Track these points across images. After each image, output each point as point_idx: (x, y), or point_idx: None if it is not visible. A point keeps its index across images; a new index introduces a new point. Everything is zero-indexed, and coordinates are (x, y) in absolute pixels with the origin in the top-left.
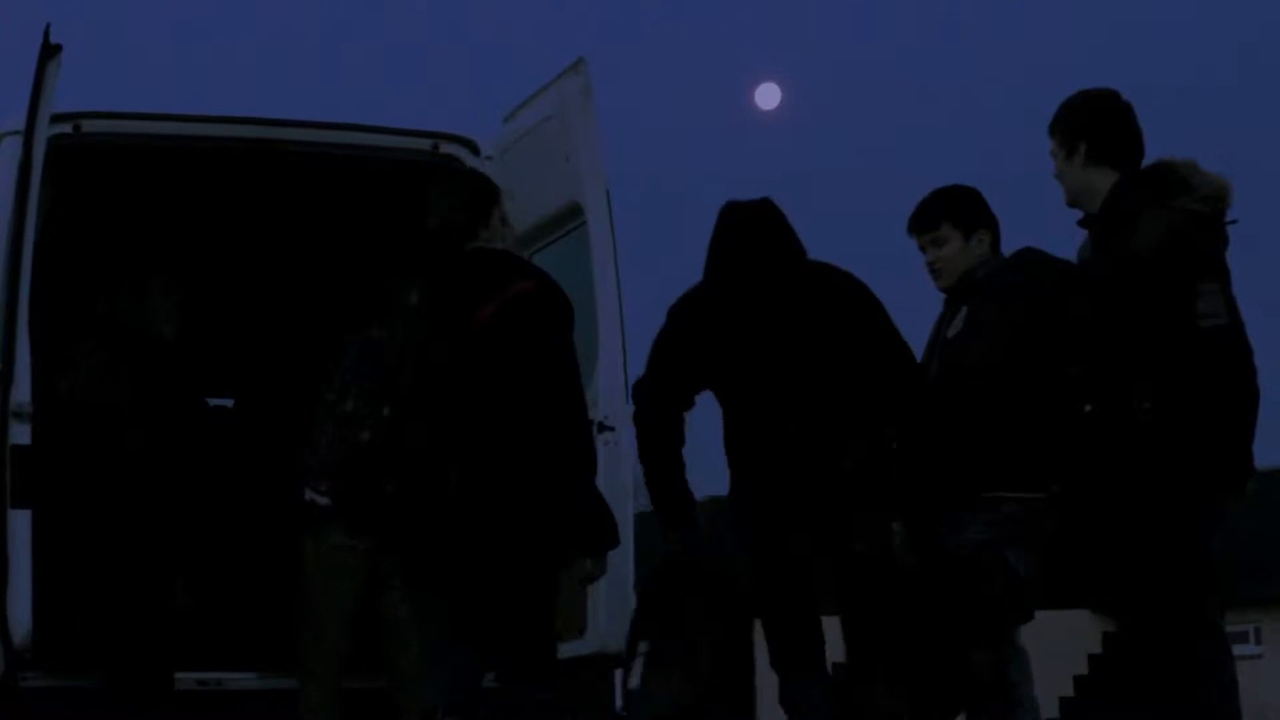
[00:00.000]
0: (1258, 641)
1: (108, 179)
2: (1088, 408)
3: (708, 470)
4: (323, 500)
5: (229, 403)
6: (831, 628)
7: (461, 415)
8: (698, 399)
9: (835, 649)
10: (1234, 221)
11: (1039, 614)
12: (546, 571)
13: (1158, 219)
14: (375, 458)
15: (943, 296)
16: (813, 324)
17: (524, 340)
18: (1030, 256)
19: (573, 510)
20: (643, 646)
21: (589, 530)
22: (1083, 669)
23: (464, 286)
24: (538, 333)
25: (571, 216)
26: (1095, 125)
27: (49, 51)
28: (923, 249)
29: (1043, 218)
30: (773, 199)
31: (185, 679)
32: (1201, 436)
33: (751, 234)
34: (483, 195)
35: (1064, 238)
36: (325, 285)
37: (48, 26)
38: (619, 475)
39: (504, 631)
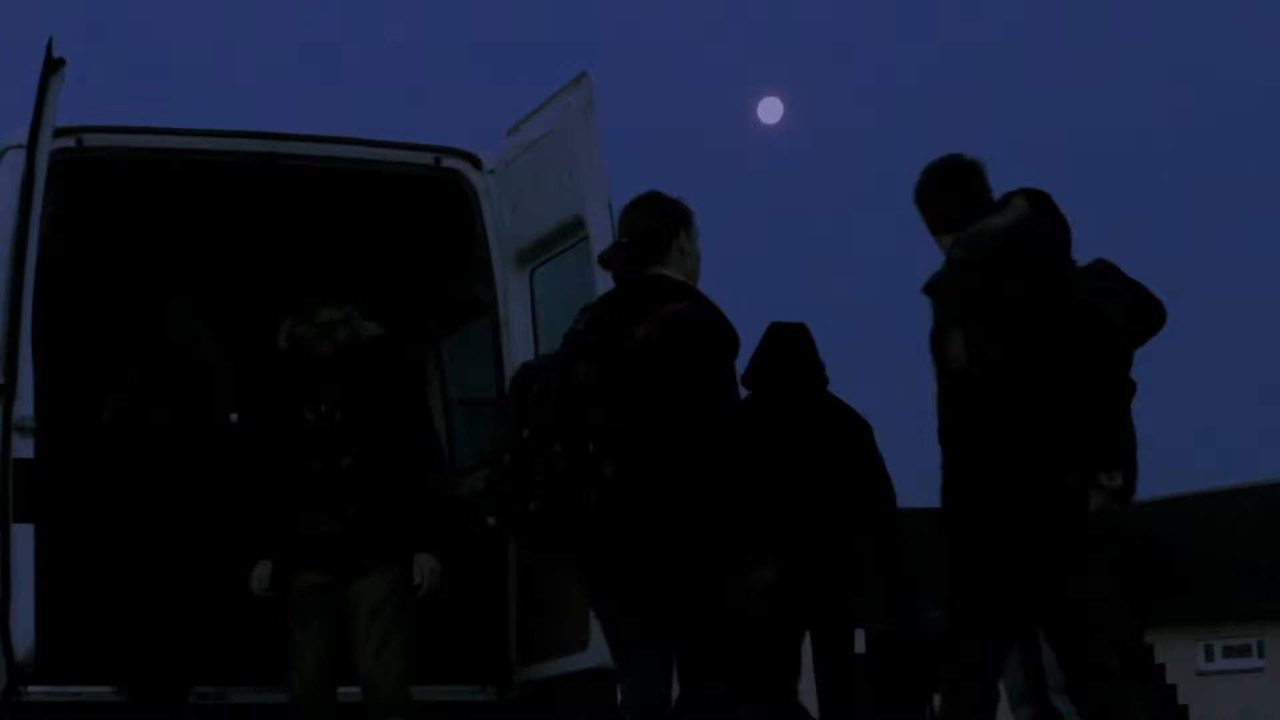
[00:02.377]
0: (1260, 655)
1: (110, 193)
2: None
3: None
4: (491, 521)
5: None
6: None
7: (606, 434)
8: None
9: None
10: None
11: None
12: (703, 585)
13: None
14: (516, 479)
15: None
16: (824, 446)
17: (674, 360)
18: (1101, 265)
19: (723, 526)
20: None
21: (741, 545)
22: None
23: (621, 309)
24: (689, 353)
25: (574, 230)
26: (925, 197)
27: (52, 66)
28: None
29: None
30: (807, 326)
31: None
32: (971, 483)
33: (785, 362)
34: (669, 219)
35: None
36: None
37: (50, 41)
38: None
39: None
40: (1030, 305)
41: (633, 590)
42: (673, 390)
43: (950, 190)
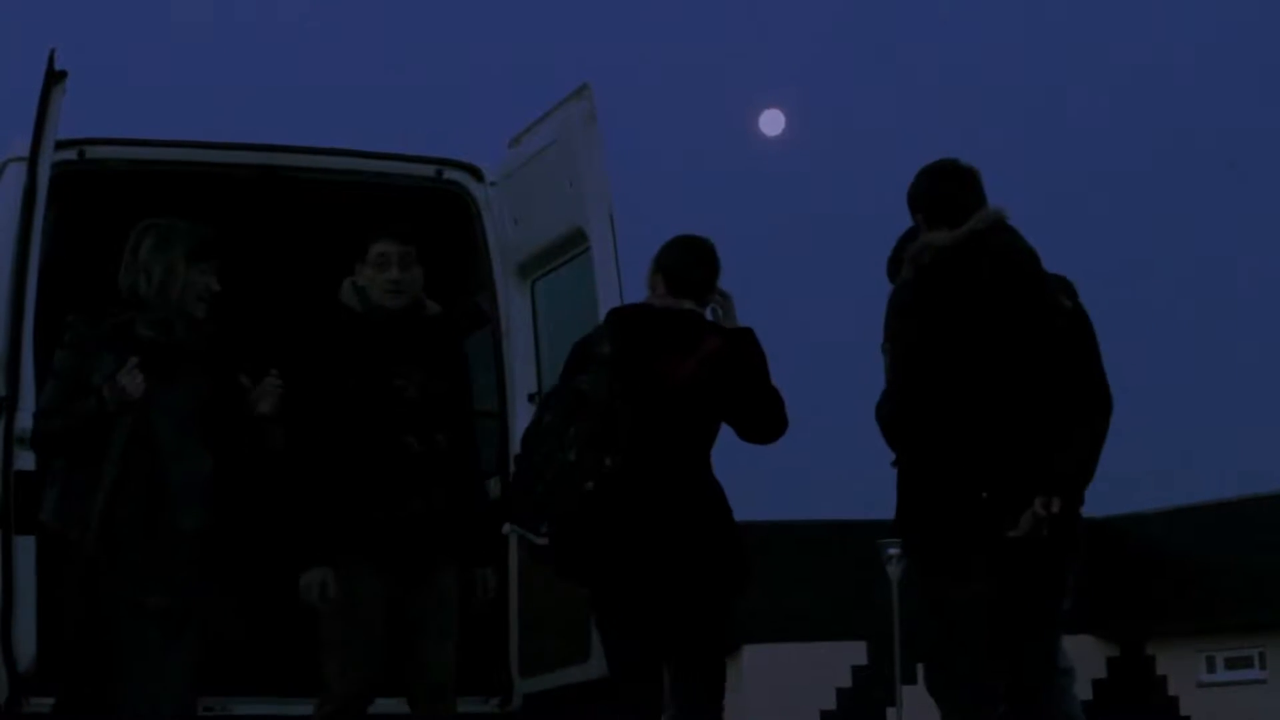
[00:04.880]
0: (1262, 666)
1: (112, 205)
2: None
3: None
4: (540, 541)
5: None
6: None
7: (662, 463)
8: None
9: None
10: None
11: None
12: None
13: None
14: (600, 506)
15: None
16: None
17: (719, 393)
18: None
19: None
20: None
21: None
22: (1087, 694)
23: (658, 342)
24: (731, 384)
25: (575, 242)
26: (911, 199)
27: (54, 78)
28: None
29: (1046, 242)
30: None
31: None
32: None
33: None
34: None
35: (1073, 265)
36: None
37: (52, 53)
38: None
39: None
40: (969, 326)
41: (662, 606)
42: (716, 420)
43: (934, 192)
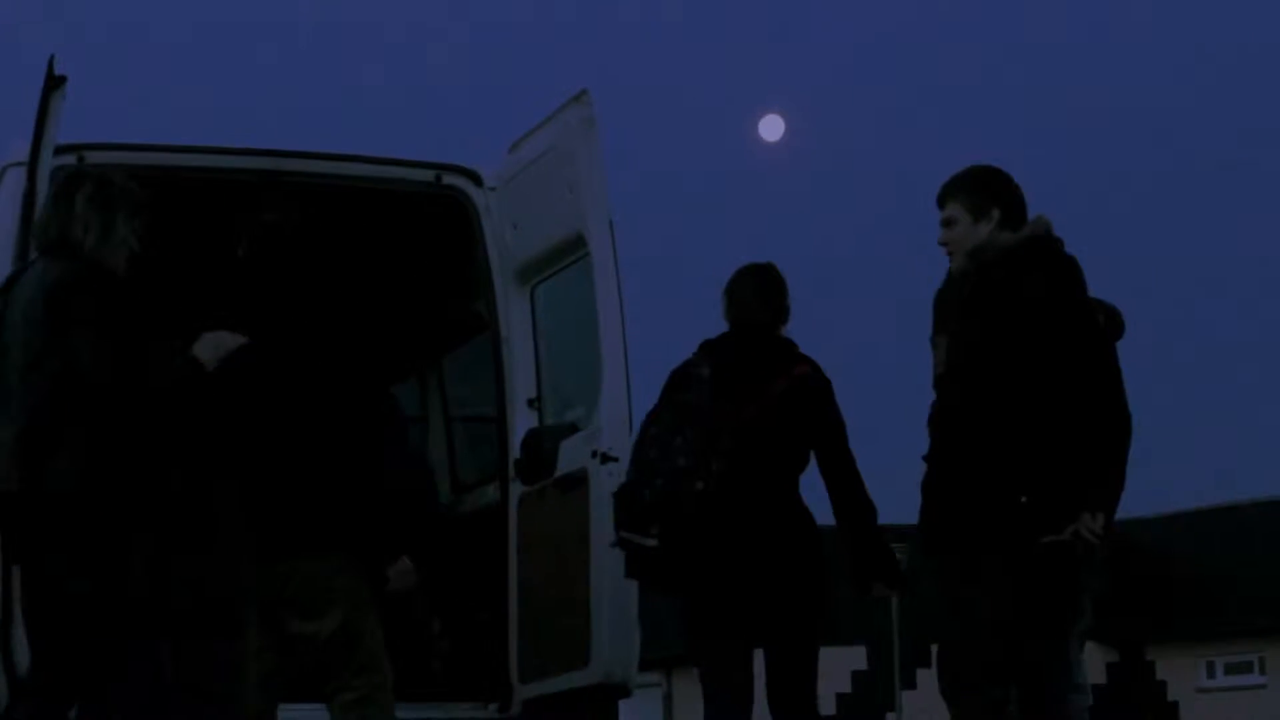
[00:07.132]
0: (1262, 672)
1: None
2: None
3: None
4: (650, 543)
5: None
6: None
7: (758, 469)
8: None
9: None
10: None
11: None
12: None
13: None
14: (708, 507)
15: None
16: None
17: (807, 409)
18: None
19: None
20: None
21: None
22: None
23: (755, 363)
24: (817, 403)
25: (575, 247)
26: (972, 183)
27: (53, 83)
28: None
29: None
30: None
31: None
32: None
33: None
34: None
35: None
36: (327, 315)
37: (52, 58)
38: None
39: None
40: (1018, 329)
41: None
42: (807, 432)
43: (1017, 195)
